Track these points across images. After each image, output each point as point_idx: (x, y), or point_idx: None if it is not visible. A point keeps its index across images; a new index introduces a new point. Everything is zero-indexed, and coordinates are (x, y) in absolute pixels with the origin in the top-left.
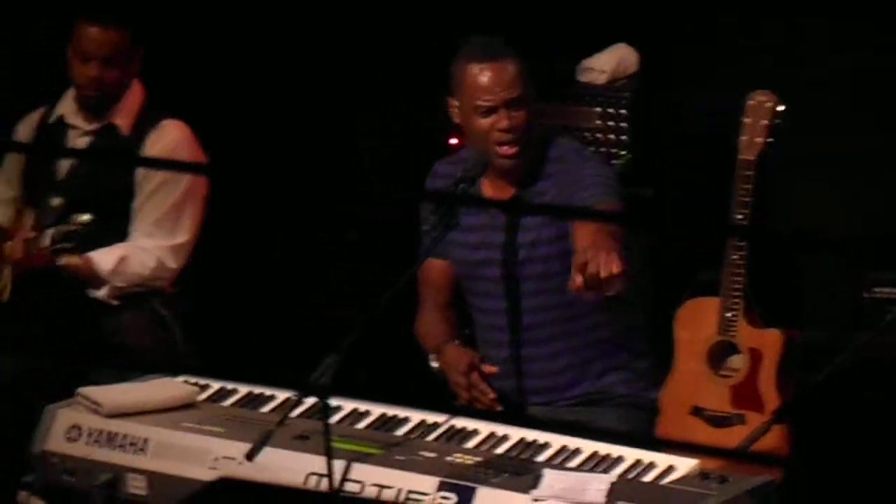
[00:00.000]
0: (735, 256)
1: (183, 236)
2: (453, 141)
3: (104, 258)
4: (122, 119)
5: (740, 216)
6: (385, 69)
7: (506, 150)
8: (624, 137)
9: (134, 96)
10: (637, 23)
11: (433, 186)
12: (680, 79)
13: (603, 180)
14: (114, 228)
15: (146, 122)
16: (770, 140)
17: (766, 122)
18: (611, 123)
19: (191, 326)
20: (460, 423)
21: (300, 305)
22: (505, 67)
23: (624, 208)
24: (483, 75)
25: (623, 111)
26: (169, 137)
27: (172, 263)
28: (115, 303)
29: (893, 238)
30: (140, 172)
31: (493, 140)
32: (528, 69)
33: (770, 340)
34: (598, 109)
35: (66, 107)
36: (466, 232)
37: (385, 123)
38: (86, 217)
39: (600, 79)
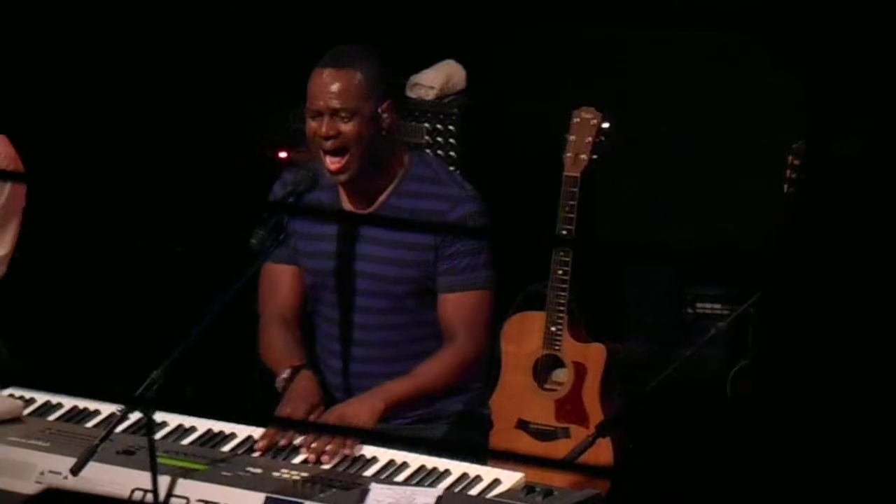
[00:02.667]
0: (559, 272)
1: (2, 249)
2: (282, 154)
3: None
4: None
5: (565, 231)
6: (217, 76)
7: (330, 162)
8: (452, 153)
9: None
10: (465, 38)
11: (276, 193)
12: (508, 94)
13: (465, 260)
14: None
15: None
16: (594, 157)
17: (590, 138)
18: (439, 139)
19: (15, 339)
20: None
21: (126, 319)
22: (341, 76)
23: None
24: (318, 79)
25: (451, 127)
26: None
27: None
28: None
29: (715, 250)
30: None
31: (319, 147)
32: (384, 86)
33: (594, 354)
34: (427, 125)
35: None
36: (317, 240)
37: (212, 133)
38: None
39: (429, 94)
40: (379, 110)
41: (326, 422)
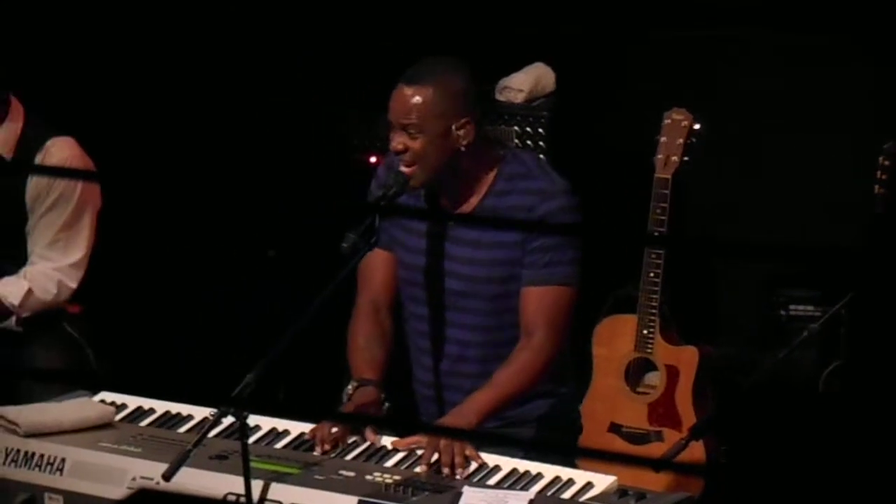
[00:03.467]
0: (651, 274)
1: (78, 253)
2: (373, 159)
3: (11, 292)
4: (3, 145)
5: (657, 233)
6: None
7: (404, 168)
8: (542, 156)
9: (13, 119)
10: (554, 42)
11: (373, 192)
12: (597, 97)
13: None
14: (9, 255)
15: (30, 143)
16: (686, 158)
17: (681, 140)
18: (529, 142)
19: (103, 345)
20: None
21: (220, 323)
22: (413, 93)
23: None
24: (395, 93)
25: (541, 130)
26: (56, 157)
27: (72, 283)
28: (20, 329)
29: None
30: (31, 195)
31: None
32: (463, 102)
33: (686, 357)
34: (517, 128)
35: None
36: (411, 235)
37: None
38: None
39: (518, 98)
40: (453, 127)
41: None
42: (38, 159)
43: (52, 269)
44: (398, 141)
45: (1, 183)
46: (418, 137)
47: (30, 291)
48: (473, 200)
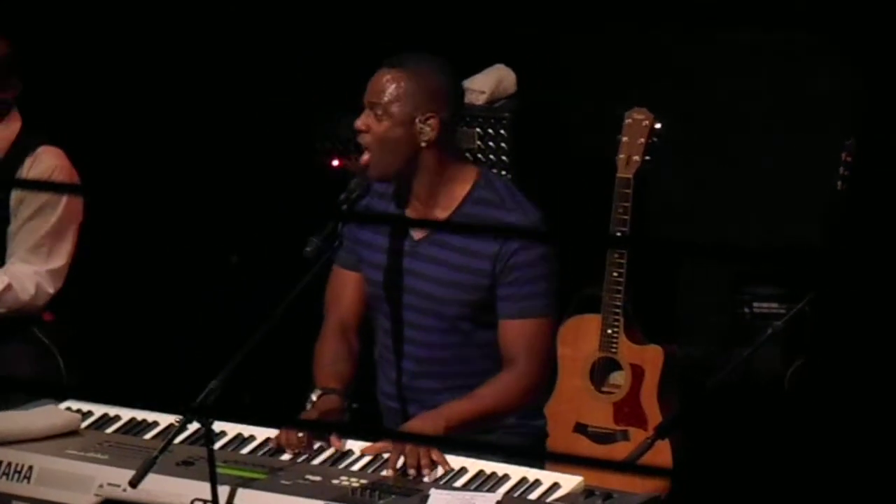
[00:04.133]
0: (615, 274)
1: (59, 261)
2: (335, 163)
3: None
4: None
5: (619, 233)
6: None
7: (364, 157)
8: (504, 157)
9: (11, 125)
10: (514, 42)
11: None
12: (559, 95)
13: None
14: None
15: (22, 148)
16: (647, 158)
17: (643, 139)
18: (490, 143)
19: (73, 353)
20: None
21: (183, 329)
22: (388, 75)
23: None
24: (375, 76)
25: (503, 131)
26: (45, 164)
27: (50, 288)
28: None
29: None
30: (16, 198)
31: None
32: (435, 99)
33: (651, 356)
34: (478, 130)
35: None
36: (377, 252)
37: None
38: None
39: (480, 99)
40: (417, 119)
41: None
42: (27, 164)
43: (31, 271)
44: (363, 121)
45: None
46: (382, 120)
47: (9, 286)
48: (440, 215)
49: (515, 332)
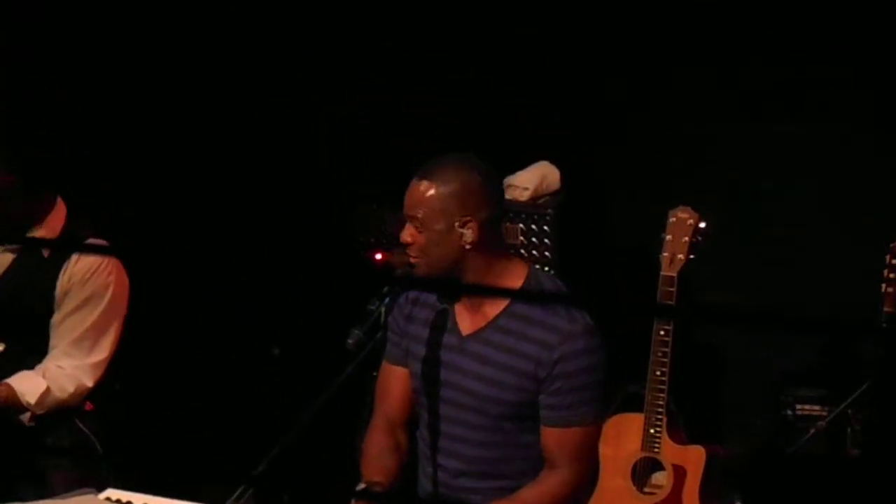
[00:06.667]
0: (657, 372)
1: (101, 354)
2: (378, 256)
3: (28, 389)
4: (43, 235)
5: (663, 332)
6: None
7: (411, 259)
8: (548, 254)
9: (56, 216)
10: (558, 140)
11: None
12: (603, 193)
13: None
14: (30, 344)
15: (68, 239)
16: (692, 256)
17: (687, 238)
18: (534, 240)
19: (113, 443)
20: None
21: (225, 420)
22: (420, 187)
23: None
24: (409, 188)
25: (546, 227)
26: (92, 258)
27: (89, 382)
28: (32, 424)
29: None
30: (61, 289)
31: None
32: (469, 201)
33: (693, 457)
34: (522, 226)
35: None
36: (425, 346)
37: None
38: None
39: (523, 196)
40: (455, 225)
41: None
42: (73, 257)
43: (72, 366)
44: (407, 233)
45: (32, 274)
46: (423, 231)
47: (47, 390)
48: (489, 312)
49: (559, 439)
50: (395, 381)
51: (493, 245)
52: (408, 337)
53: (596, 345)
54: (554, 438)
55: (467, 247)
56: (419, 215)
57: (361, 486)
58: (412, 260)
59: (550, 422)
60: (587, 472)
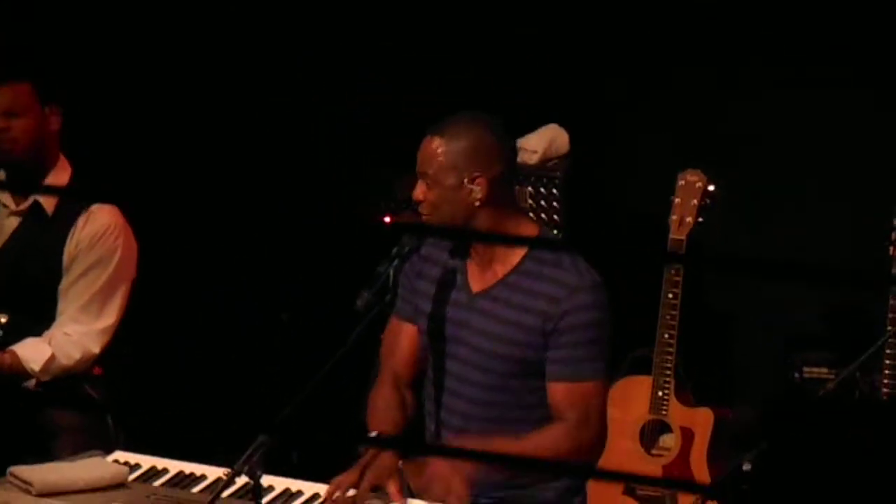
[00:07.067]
0: (666, 335)
1: (109, 319)
2: (387, 219)
3: (32, 356)
4: (47, 198)
5: (671, 294)
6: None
7: (423, 215)
8: (556, 217)
9: (60, 175)
10: (568, 103)
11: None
12: (612, 157)
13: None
14: (38, 311)
15: (73, 203)
16: (700, 220)
17: (695, 201)
18: (543, 203)
19: (122, 407)
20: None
21: (233, 385)
22: (432, 144)
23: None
24: (422, 145)
25: (555, 191)
26: (99, 223)
27: (96, 348)
28: (39, 389)
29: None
30: (68, 255)
31: None
32: (478, 158)
33: (701, 419)
34: (530, 189)
35: None
36: (434, 303)
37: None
38: (2, 318)
39: (532, 159)
40: (465, 181)
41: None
42: (79, 223)
43: (79, 333)
44: (418, 190)
45: (37, 239)
46: (434, 188)
47: (52, 357)
48: (499, 270)
49: (566, 393)
50: (403, 338)
51: (504, 204)
52: (418, 294)
53: (603, 301)
54: (562, 393)
55: (477, 203)
56: (430, 171)
57: (373, 433)
58: (423, 217)
59: (557, 376)
60: (595, 430)
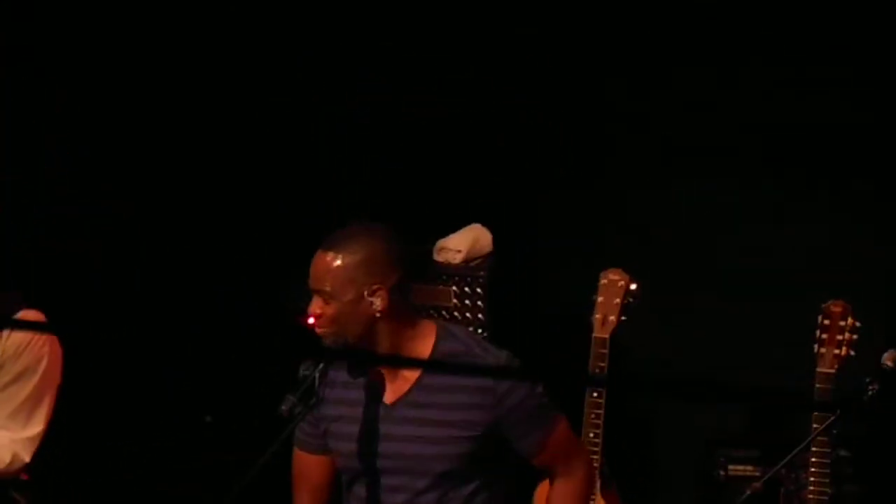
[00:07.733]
0: (591, 434)
1: (37, 427)
2: (311, 320)
3: None
4: None
5: (595, 394)
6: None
7: (319, 331)
8: (480, 316)
9: None
10: (491, 203)
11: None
12: (535, 257)
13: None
14: None
15: (2, 311)
16: (623, 318)
17: (618, 300)
18: (467, 302)
19: None
20: None
21: (159, 486)
22: (323, 259)
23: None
24: (313, 260)
25: (479, 290)
26: (24, 332)
27: (26, 457)
28: None
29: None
30: None
31: None
32: (375, 270)
33: None
34: (455, 288)
35: None
36: (346, 423)
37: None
38: None
39: (456, 258)
40: (365, 294)
41: None
42: (4, 332)
43: (8, 440)
44: (314, 306)
45: None
46: (331, 303)
47: None
48: (409, 375)
49: (546, 452)
50: (312, 469)
51: (402, 309)
52: (324, 419)
53: (523, 366)
54: (542, 455)
55: (377, 315)
56: (327, 288)
57: None
58: (318, 331)
59: (533, 446)
60: (584, 454)
